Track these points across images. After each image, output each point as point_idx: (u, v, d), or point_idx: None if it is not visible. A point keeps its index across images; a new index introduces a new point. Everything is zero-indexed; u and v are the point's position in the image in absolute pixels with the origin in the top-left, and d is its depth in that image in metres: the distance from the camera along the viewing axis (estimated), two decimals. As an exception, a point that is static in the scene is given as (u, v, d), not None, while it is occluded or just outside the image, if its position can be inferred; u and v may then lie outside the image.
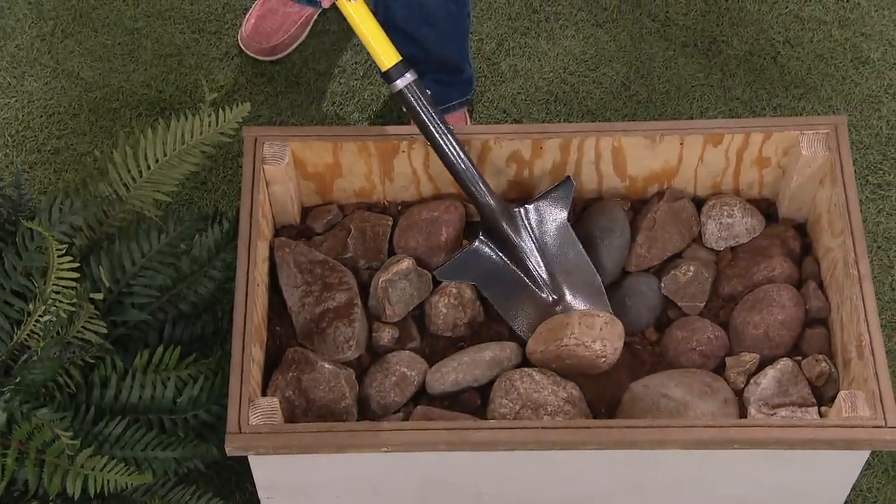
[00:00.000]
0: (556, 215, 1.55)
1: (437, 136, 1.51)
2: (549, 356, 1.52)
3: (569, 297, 1.55)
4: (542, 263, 1.54)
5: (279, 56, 2.05)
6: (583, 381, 1.53)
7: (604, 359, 1.52)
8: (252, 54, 2.04)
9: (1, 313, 1.52)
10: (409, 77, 1.51)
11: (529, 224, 1.54)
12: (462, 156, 1.52)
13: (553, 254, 1.55)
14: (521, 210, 1.55)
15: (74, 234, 1.56)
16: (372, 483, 1.48)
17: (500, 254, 1.54)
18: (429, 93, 1.50)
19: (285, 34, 2.04)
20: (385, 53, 1.51)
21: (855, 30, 2.07)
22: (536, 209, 1.55)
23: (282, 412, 1.43)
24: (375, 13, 1.89)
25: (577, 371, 1.53)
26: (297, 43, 2.06)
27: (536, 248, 1.54)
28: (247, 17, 2.06)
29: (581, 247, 1.56)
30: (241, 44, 2.05)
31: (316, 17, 2.08)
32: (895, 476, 1.73)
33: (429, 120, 1.51)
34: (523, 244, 1.53)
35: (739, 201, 1.63)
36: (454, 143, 1.51)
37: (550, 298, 1.54)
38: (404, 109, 1.51)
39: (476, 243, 1.55)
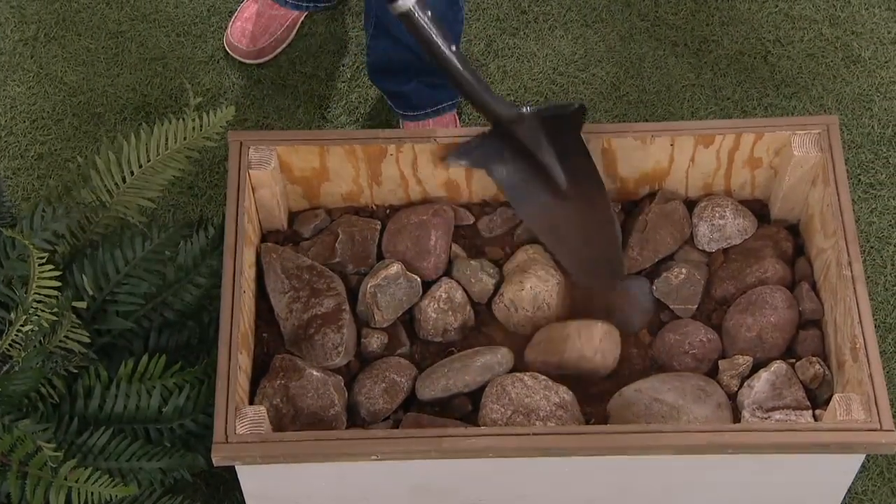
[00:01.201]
0: (569, 132, 1.50)
1: (444, 52, 1.45)
2: (549, 367, 1.51)
3: (576, 200, 1.51)
4: (552, 163, 1.50)
5: (265, 59, 2.03)
6: (575, 386, 1.52)
7: (605, 369, 1.52)
8: (238, 57, 2.03)
9: (-18, 323, 1.50)
10: None
11: (541, 127, 1.49)
12: (468, 71, 1.47)
13: (565, 159, 1.51)
14: (535, 115, 1.49)
15: (57, 241, 1.55)
16: (362, 491, 1.47)
17: (512, 146, 1.50)
18: (430, 12, 1.46)
19: (271, 37, 2.02)
20: None
21: (846, 28, 2.06)
22: (548, 121, 1.50)
23: (269, 421, 1.41)
24: (367, 18, 1.88)
25: (576, 377, 1.52)
26: (284, 46, 2.04)
27: (545, 149, 1.50)
28: (232, 19, 2.04)
29: (592, 160, 1.51)
30: (226, 47, 2.03)
31: (302, 19, 2.06)
32: (890, 478, 1.72)
33: (435, 37, 1.45)
34: (533, 143, 1.49)
35: (731, 202, 1.61)
36: (460, 59, 1.46)
37: (558, 196, 1.51)
38: (408, 30, 1.46)
39: (488, 135, 1.50)
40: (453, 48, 1.46)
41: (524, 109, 1.49)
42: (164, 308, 1.59)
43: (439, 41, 1.45)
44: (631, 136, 1.56)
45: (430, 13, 1.45)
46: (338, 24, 2.08)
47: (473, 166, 1.53)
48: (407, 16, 1.45)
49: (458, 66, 1.46)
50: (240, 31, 2.02)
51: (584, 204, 1.52)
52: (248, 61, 2.03)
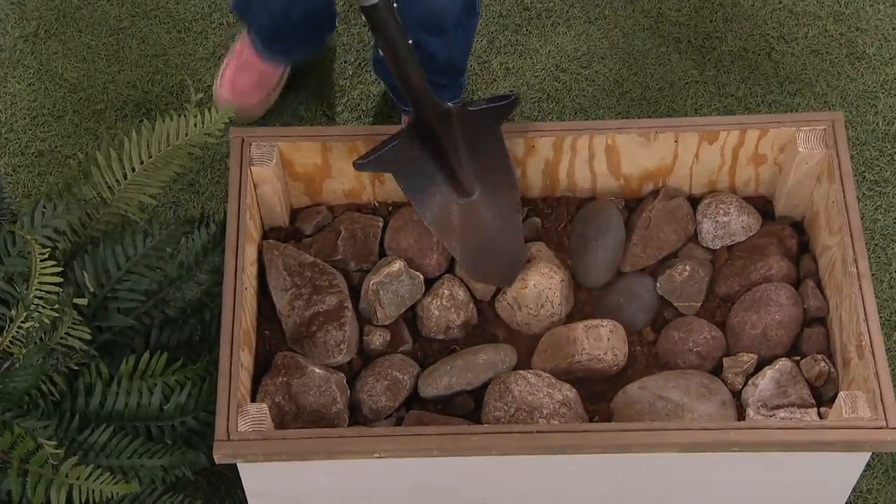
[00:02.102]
0: (490, 125, 1.49)
1: (404, 55, 1.43)
2: (557, 372, 1.51)
3: (483, 201, 1.51)
4: (463, 163, 1.49)
5: (258, 114, 1.92)
6: (578, 383, 1.51)
7: (616, 367, 1.51)
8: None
9: (-17, 320, 1.49)
10: None
11: (461, 127, 1.48)
12: (416, 71, 1.45)
13: (478, 159, 1.50)
14: (459, 111, 1.49)
15: (58, 238, 1.54)
16: (364, 489, 1.46)
17: (424, 147, 1.49)
18: (395, 6, 1.44)
19: (264, 91, 1.91)
20: None
21: (850, 24, 2.05)
22: (471, 115, 1.49)
23: (271, 418, 1.41)
24: None
25: (587, 377, 1.52)
26: (274, 99, 1.93)
27: (462, 148, 1.49)
28: (221, 72, 1.93)
29: (510, 162, 1.51)
30: (217, 101, 1.90)
31: (287, 74, 1.94)
32: (895, 477, 1.71)
33: (397, 37, 1.42)
34: (449, 144, 1.48)
35: (735, 199, 1.61)
36: (411, 56, 1.44)
37: (463, 199, 1.50)
38: (370, 24, 1.42)
39: (401, 138, 1.49)
40: (409, 41, 1.43)
41: (449, 105, 1.48)
42: (165, 305, 1.59)
43: (400, 35, 1.42)
44: (635, 133, 1.56)
45: (395, 5, 1.41)
46: (340, 21, 2.07)
47: (381, 171, 1.52)
48: (374, 8, 1.40)
49: (410, 64, 1.43)
50: (228, 87, 1.90)
51: (490, 201, 1.51)
52: (240, 117, 1.89)
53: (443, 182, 1.50)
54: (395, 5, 1.41)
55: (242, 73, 1.92)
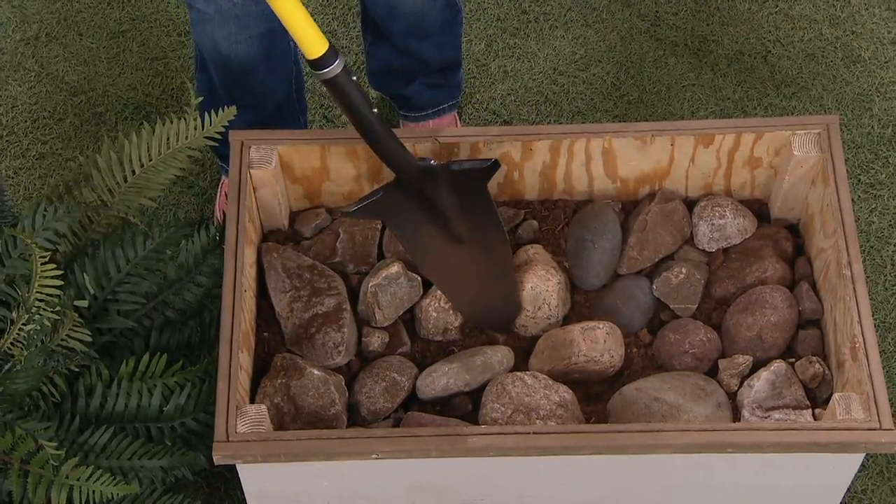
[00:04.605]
0: (475, 186, 1.49)
1: (366, 116, 1.42)
2: (555, 374, 1.51)
3: (473, 245, 1.51)
4: (452, 213, 1.49)
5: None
6: (575, 385, 1.52)
7: (612, 368, 1.52)
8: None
9: (-16, 322, 1.50)
10: (340, 63, 1.39)
11: (445, 182, 1.48)
12: (385, 130, 1.44)
13: (468, 215, 1.49)
14: (442, 169, 1.48)
15: (58, 240, 1.55)
16: (362, 490, 1.47)
17: (411, 197, 1.48)
18: (355, 77, 1.43)
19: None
20: (316, 40, 1.38)
21: (846, 28, 2.06)
22: (456, 176, 1.48)
23: (270, 419, 1.41)
24: (365, 26, 1.86)
25: (583, 379, 1.52)
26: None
27: (449, 202, 1.49)
28: (219, 196, 1.90)
29: (497, 214, 1.50)
30: (218, 218, 1.89)
31: None
32: (890, 477, 1.72)
33: (361, 104, 1.41)
34: (437, 199, 1.48)
35: (731, 202, 1.62)
36: (381, 126, 1.44)
37: (456, 245, 1.50)
38: (332, 94, 1.41)
39: (387, 189, 1.48)
40: (374, 111, 1.43)
41: (432, 163, 1.47)
42: (165, 307, 1.59)
43: (363, 105, 1.41)
44: (631, 136, 1.57)
45: (354, 78, 1.40)
46: (339, 24, 2.08)
47: (373, 218, 1.52)
48: (333, 81, 1.39)
49: (378, 128, 1.43)
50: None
51: (482, 253, 1.51)
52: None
53: (434, 229, 1.50)
54: (353, 78, 1.40)
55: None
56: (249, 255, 1.53)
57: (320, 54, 1.38)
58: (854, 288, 1.45)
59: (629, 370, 1.55)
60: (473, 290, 1.52)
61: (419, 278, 1.58)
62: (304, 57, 1.40)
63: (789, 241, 1.61)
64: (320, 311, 1.54)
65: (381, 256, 1.62)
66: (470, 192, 1.49)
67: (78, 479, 1.40)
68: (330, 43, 1.39)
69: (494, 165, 1.49)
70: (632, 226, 1.61)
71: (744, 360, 1.52)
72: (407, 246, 1.50)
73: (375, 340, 1.56)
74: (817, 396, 1.50)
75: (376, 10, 1.75)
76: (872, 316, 1.75)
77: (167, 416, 1.52)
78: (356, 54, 2.05)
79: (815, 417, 1.47)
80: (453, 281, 1.51)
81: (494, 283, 1.52)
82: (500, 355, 1.53)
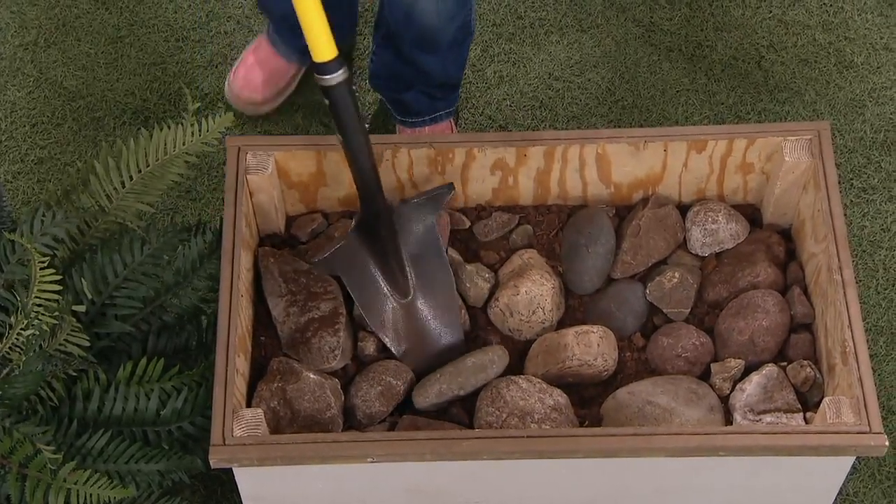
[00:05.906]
0: (425, 217, 1.54)
1: (358, 136, 1.45)
2: (549, 377, 1.52)
3: (420, 299, 1.54)
4: (401, 261, 1.53)
5: (266, 110, 1.96)
6: (569, 389, 1.53)
7: (606, 372, 1.53)
8: (240, 108, 1.96)
9: (-17, 326, 1.51)
10: (343, 74, 1.41)
11: (399, 223, 1.53)
12: (371, 160, 1.48)
13: (415, 254, 1.54)
14: (397, 207, 1.53)
15: (57, 245, 1.56)
16: (358, 493, 1.48)
17: (367, 248, 1.53)
18: (354, 87, 1.44)
19: (275, 88, 1.95)
20: (326, 44, 1.40)
21: (839, 34, 2.07)
22: (409, 209, 1.53)
23: (267, 423, 1.42)
24: (378, 26, 1.87)
25: (577, 383, 1.53)
26: (285, 97, 1.98)
27: (402, 247, 1.53)
28: (237, 64, 1.97)
29: (443, 251, 1.55)
30: (228, 97, 1.96)
31: (302, 73, 1.98)
32: (881, 480, 1.73)
33: (356, 119, 1.44)
34: (390, 243, 1.52)
35: (724, 207, 1.63)
36: (368, 146, 1.47)
37: (402, 299, 1.54)
38: (328, 103, 1.43)
39: (347, 239, 1.53)
40: (366, 133, 1.45)
41: (393, 202, 1.53)
42: (162, 311, 1.60)
43: (354, 122, 1.43)
44: (625, 142, 1.58)
45: (355, 87, 1.43)
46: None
47: (333, 273, 1.55)
48: (332, 90, 1.41)
49: (364, 150, 1.46)
50: (242, 80, 1.94)
51: (426, 296, 1.55)
52: (249, 112, 1.95)
53: (384, 284, 1.53)
54: (355, 91, 1.42)
55: (256, 67, 1.95)
56: (246, 260, 1.54)
57: (327, 59, 1.40)
58: (844, 292, 1.46)
59: (622, 374, 1.56)
60: (418, 342, 1.54)
61: (414, 283, 1.59)
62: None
63: (781, 245, 1.62)
64: (316, 316, 1.55)
65: (376, 261, 1.62)
66: (419, 224, 1.53)
67: (76, 483, 1.41)
68: (339, 52, 1.41)
69: (449, 189, 1.54)
70: (625, 231, 1.62)
71: (736, 364, 1.53)
72: (361, 305, 1.53)
73: (371, 344, 1.56)
74: (808, 400, 1.51)
75: (392, 15, 1.76)
76: (864, 320, 1.76)
77: (164, 419, 1.53)
78: (353, 61, 2.06)
79: (806, 421, 1.48)
80: (400, 337, 1.54)
81: (438, 328, 1.55)
82: (492, 354, 1.54)
